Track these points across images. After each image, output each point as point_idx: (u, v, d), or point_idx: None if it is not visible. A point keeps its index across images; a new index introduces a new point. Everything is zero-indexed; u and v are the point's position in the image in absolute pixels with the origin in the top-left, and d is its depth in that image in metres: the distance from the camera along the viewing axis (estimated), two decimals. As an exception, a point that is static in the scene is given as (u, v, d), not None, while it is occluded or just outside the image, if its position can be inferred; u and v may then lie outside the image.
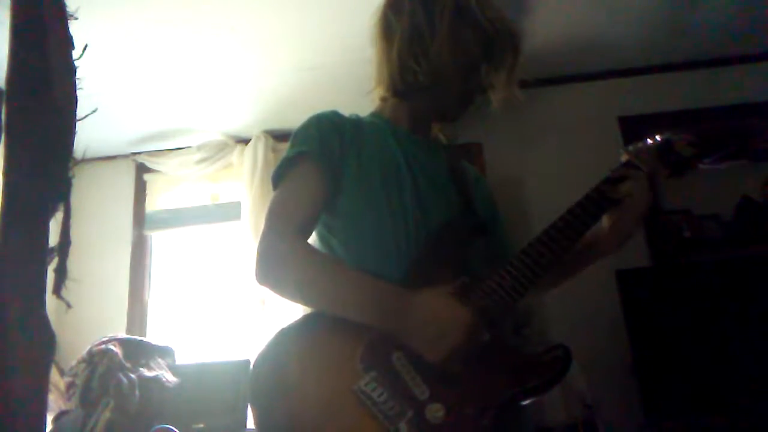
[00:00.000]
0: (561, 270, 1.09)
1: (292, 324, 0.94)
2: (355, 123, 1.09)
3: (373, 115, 1.15)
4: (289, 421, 0.84)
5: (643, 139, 1.11)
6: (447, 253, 0.99)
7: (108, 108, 2.65)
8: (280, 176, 1.03)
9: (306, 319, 0.95)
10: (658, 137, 1.09)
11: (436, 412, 0.83)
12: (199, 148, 2.96)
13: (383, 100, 1.14)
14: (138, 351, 2.37)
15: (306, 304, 0.97)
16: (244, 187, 2.82)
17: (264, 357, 0.90)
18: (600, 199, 1.00)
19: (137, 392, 2.18)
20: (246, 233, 2.74)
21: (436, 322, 0.86)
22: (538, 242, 0.96)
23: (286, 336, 0.92)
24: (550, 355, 0.90)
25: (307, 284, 0.94)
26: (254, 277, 0.95)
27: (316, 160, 1.00)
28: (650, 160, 1.05)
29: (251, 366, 0.90)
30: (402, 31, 1.04)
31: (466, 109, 1.11)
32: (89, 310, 2.67)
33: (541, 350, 0.91)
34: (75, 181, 0.78)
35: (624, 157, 1.08)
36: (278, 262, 0.94)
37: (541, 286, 1.01)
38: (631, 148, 1.10)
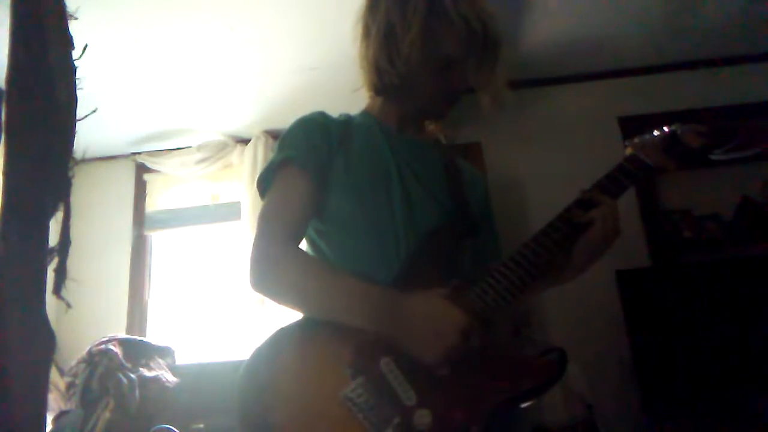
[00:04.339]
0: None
1: (282, 329, 0.93)
2: (343, 124, 1.08)
3: (363, 113, 1.14)
4: (276, 428, 0.82)
5: (648, 131, 1.08)
6: (437, 256, 0.98)
7: (108, 108, 2.65)
8: (267, 181, 1.03)
9: (296, 324, 0.95)
10: (665, 128, 1.06)
11: (423, 418, 0.82)
12: (199, 148, 2.96)
13: (371, 98, 1.14)
14: (138, 351, 2.36)
15: (299, 309, 0.97)
16: (244, 187, 2.83)
17: (253, 362, 0.88)
18: (568, 223, 0.95)
19: (137, 392, 2.18)
20: (246, 233, 2.74)
21: (431, 323, 0.85)
22: (533, 244, 0.94)
23: (275, 341, 0.91)
24: (544, 359, 0.88)
25: (300, 289, 0.94)
26: (248, 283, 0.95)
27: (303, 166, 1.00)
28: (655, 153, 1.02)
29: (241, 370, 0.88)
30: (377, 30, 1.03)
31: (451, 107, 1.09)
32: (89, 310, 2.67)
33: (535, 353, 0.90)
34: (75, 181, 0.78)
35: (629, 150, 1.05)
36: (271, 268, 0.94)
37: (534, 289, 0.98)
38: (636, 140, 1.06)
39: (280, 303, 0.96)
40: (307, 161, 1.00)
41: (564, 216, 0.96)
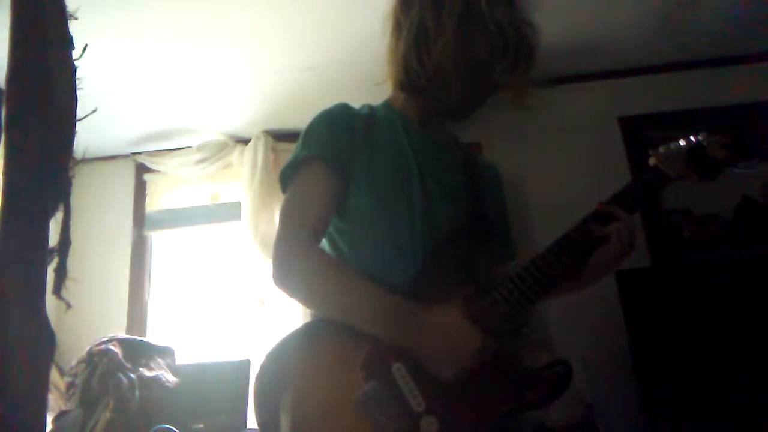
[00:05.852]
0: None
1: (298, 329, 0.95)
2: (367, 120, 1.07)
3: (386, 105, 1.14)
4: (291, 426, 0.84)
5: (674, 139, 1.06)
6: (453, 260, 0.99)
7: (108, 108, 2.65)
8: (290, 176, 1.03)
9: (312, 324, 0.96)
10: (692, 138, 1.05)
11: (430, 425, 0.83)
12: (199, 148, 2.96)
13: (394, 90, 1.13)
14: (138, 351, 2.36)
15: (317, 310, 0.98)
16: (244, 187, 2.82)
17: (269, 360, 0.91)
18: (585, 237, 0.97)
19: (137, 392, 2.18)
20: (246, 233, 2.74)
21: (448, 340, 0.86)
22: (549, 256, 0.95)
23: (291, 341, 0.93)
24: (551, 371, 0.90)
25: (318, 291, 0.95)
26: (272, 281, 0.97)
27: (326, 164, 1.00)
28: (679, 166, 1.02)
29: (257, 368, 0.91)
30: (409, 28, 1.02)
31: (475, 109, 1.09)
32: (89, 310, 2.67)
33: (542, 365, 0.91)
34: (75, 181, 0.79)
35: (652, 161, 1.04)
36: (292, 268, 0.95)
37: (544, 299, 1.00)
38: (661, 149, 1.05)
39: (299, 302, 0.99)
40: (331, 158, 1.00)
41: (580, 229, 0.97)
